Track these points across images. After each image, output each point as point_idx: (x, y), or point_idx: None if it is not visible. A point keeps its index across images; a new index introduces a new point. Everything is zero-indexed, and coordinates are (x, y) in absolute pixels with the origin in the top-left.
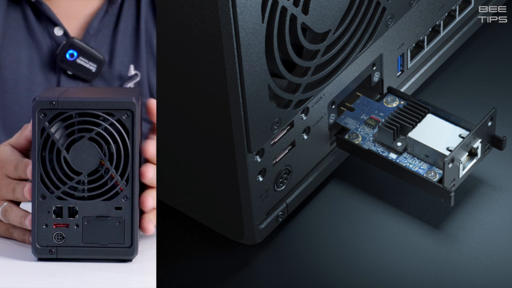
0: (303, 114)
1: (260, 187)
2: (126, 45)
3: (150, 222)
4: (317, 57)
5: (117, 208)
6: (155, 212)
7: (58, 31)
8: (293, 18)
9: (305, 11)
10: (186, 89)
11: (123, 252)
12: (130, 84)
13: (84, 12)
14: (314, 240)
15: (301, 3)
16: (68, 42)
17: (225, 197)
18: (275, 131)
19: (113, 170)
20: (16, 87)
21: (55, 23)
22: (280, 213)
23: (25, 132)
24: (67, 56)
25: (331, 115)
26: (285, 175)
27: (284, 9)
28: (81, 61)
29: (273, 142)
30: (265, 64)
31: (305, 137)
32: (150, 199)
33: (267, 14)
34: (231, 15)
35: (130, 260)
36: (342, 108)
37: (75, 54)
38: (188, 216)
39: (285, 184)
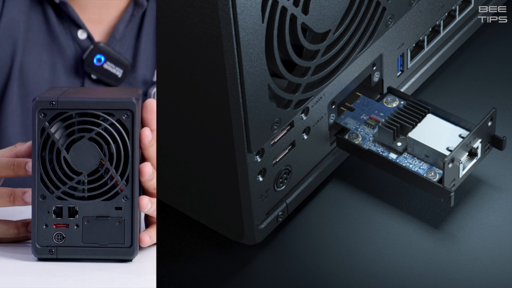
0: (303, 114)
1: (260, 187)
2: (150, 49)
3: (146, 235)
4: (317, 57)
5: (117, 208)
6: (155, 227)
7: (81, 34)
8: (293, 18)
9: (305, 11)
10: (186, 89)
11: (123, 252)
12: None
13: (109, 16)
14: (314, 240)
15: (301, 3)
16: (96, 46)
17: (225, 197)
18: (275, 131)
19: (113, 170)
20: (38, 91)
21: (78, 25)
22: (280, 213)
23: (18, 147)
24: (95, 61)
25: (331, 115)
26: (285, 175)
27: (284, 9)
28: (108, 66)
29: (273, 142)
30: (265, 64)
31: (305, 137)
32: (146, 199)
33: (267, 14)
34: (231, 15)
35: (130, 260)
36: (342, 108)
37: (103, 59)
38: (188, 216)
39: (285, 184)
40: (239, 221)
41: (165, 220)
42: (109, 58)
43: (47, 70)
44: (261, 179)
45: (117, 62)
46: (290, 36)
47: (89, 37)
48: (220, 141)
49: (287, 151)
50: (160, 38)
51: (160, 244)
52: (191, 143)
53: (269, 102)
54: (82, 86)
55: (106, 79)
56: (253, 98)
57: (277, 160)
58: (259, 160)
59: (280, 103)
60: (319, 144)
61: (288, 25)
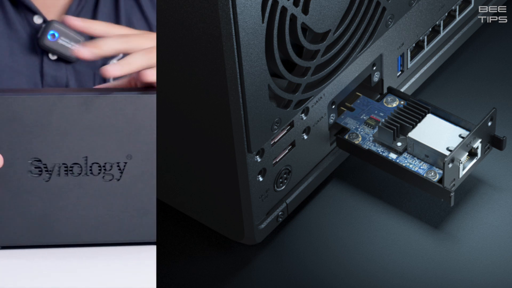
0: (303, 114)
1: (260, 187)
2: None
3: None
4: (317, 57)
5: None
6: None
7: (37, 20)
8: (293, 18)
9: (305, 11)
10: (186, 89)
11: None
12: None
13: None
14: (314, 240)
15: (301, 3)
16: (48, 23)
17: (225, 197)
18: (275, 131)
19: None
20: None
21: (34, 11)
22: (280, 213)
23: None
24: (49, 37)
25: (331, 115)
26: (285, 175)
27: (284, 9)
28: (63, 41)
29: (273, 142)
30: (265, 64)
31: (305, 137)
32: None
33: (267, 14)
34: (231, 15)
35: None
36: (342, 108)
37: (56, 34)
38: (188, 216)
39: (285, 184)
40: (239, 221)
41: (165, 220)
42: (62, 33)
43: (6, 56)
44: (261, 179)
45: (71, 37)
46: (290, 36)
47: (45, 21)
48: (220, 141)
49: (287, 151)
50: (160, 38)
51: (160, 244)
52: (191, 143)
53: (269, 102)
54: (41, 65)
55: (63, 55)
56: (253, 98)
57: (277, 160)
58: (259, 160)
59: (280, 103)
60: (319, 144)
61: (288, 25)
